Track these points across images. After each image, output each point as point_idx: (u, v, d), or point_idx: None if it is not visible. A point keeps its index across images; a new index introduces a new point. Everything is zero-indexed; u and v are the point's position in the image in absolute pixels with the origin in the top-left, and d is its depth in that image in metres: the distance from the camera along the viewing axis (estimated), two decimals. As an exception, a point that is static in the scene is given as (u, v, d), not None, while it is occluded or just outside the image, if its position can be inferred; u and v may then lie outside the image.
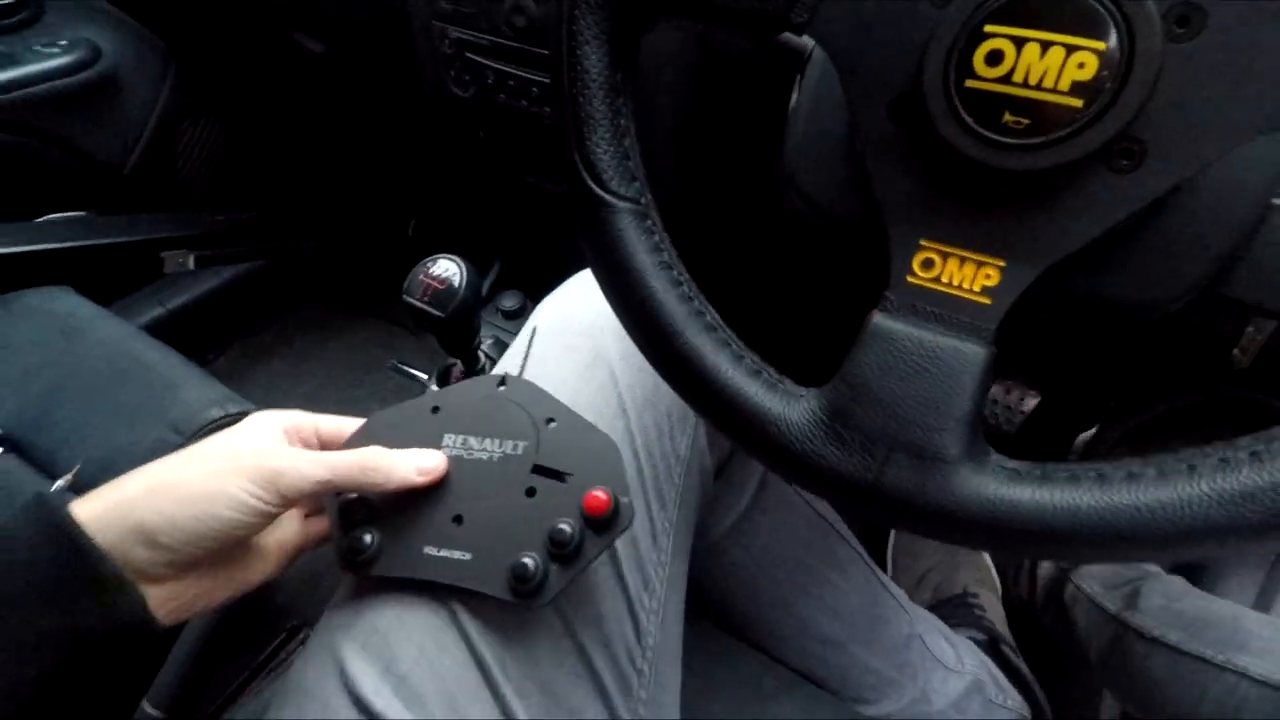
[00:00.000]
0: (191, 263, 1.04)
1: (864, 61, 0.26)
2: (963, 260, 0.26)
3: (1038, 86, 0.23)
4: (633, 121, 0.30)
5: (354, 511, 0.36)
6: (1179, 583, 0.62)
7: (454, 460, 0.36)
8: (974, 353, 0.25)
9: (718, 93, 0.55)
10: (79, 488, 0.50)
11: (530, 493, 0.35)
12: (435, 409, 0.38)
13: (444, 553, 0.34)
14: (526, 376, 0.42)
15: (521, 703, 0.33)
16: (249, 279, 1.13)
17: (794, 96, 0.40)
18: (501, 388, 0.38)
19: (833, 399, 0.26)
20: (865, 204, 0.29)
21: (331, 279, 1.30)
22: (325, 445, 0.39)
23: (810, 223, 0.40)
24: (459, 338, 0.58)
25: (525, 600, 0.33)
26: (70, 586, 0.29)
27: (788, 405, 0.27)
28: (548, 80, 0.64)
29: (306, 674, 0.36)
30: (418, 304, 0.55)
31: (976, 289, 0.26)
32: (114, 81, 0.99)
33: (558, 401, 0.38)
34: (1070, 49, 0.23)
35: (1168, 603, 0.58)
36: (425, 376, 1.05)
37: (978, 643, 0.72)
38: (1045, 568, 0.73)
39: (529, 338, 0.45)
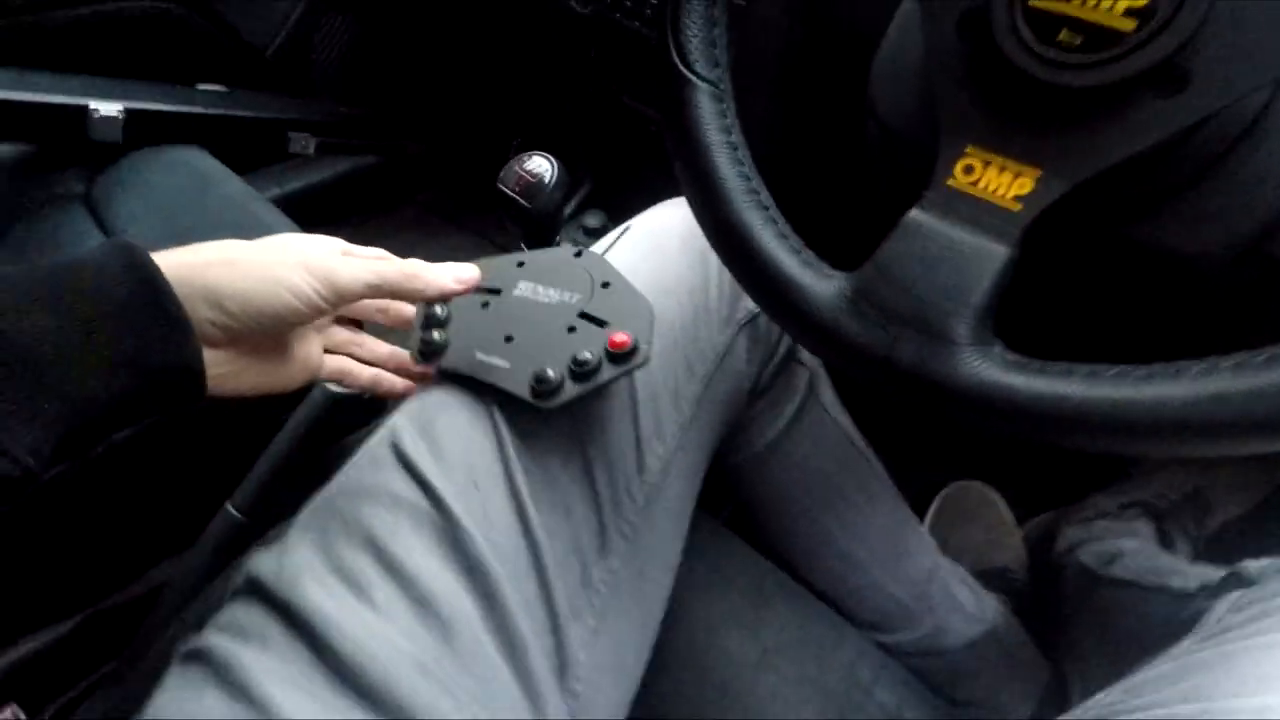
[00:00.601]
0: (313, 147, 1.13)
1: None
2: (1002, 168, 0.28)
3: (1095, 8, 0.25)
4: (725, 15, 0.33)
5: (432, 318, 0.43)
6: (1165, 556, 0.64)
7: (520, 299, 0.42)
8: (997, 251, 0.28)
9: (823, 28, 0.57)
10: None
11: (571, 330, 0.40)
12: (521, 264, 0.44)
13: (490, 359, 0.40)
14: (616, 250, 0.48)
15: (525, 481, 0.39)
16: (360, 174, 1.21)
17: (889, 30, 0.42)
18: (577, 257, 0.44)
19: (860, 279, 0.30)
20: (934, 130, 0.31)
21: (433, 184, 1.38)
22: None
23: (885, 150, 0.43)
24: (541, 231, 0.63)
25: (540, 401, 0.38)
26: (146, 319, 0.32)
27: (819, 281, 0.30)
28: None
29: (368, 439, 0.42)
30: (509, 192, 0.60)
31: (1010, 196, 0.28)
32: (267, -33, 1.08)
33: (619, 274, 0.43)
34: None
35: (1140, 561, 0.61)
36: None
37: (1009, 606, 0.74)
38: (1059, 546, 0.74)
39: (619, 233, 0.50)
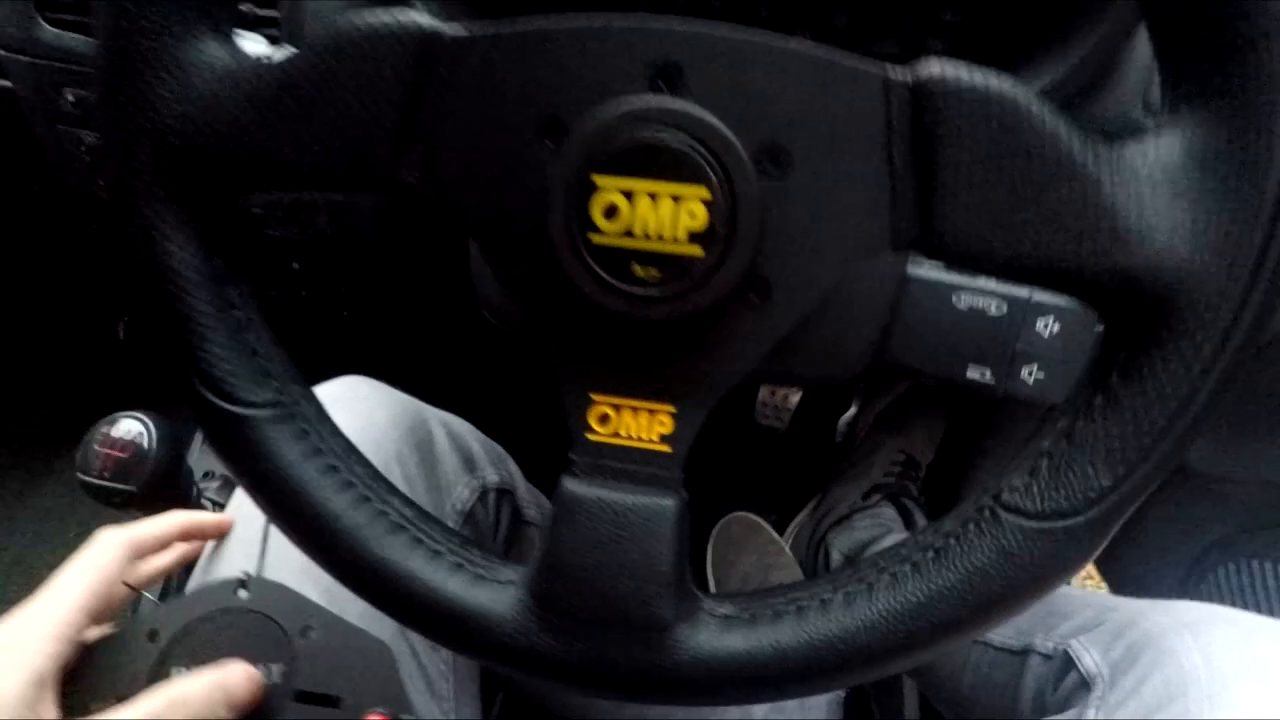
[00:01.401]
0: None
1: (488, 212, 0.24)
2: (635, 410, 0.25)
3: (658, 238, 0.22)
4: (252, 307, 0.26)
5: None
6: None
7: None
8: (665, 507, 0.24)
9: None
10: None
11: None
12: (152, 634, 0.31)
13: None
14: (271, 549, 0.36)
15: None
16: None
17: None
18: (241, 592, 0.32)
19: (538, 583, 0.25)
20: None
21: (14, 420, 1.08)
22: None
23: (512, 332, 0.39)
24: (167, 507, 0.49)
25: None
26: None
27: (495, 597, 0.25)
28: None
29: None
30: (97, 482, 0.46)
31: (654, 437, 0.25)
32: None
33: (312, 603, 0.32)
34: (678, 198, 0.22)
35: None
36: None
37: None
38: (835, 559, 0.79)
39: None
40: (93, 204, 0.62)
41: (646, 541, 0.24)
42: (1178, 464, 0.21)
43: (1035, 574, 0.22)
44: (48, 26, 0.53)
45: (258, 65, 0.23)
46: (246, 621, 0.32)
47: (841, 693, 0.73)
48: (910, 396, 0.84)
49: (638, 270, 0.23)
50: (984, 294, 0.30)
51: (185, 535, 0.37)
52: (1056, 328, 0.29)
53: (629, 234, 0.22)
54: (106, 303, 1.16)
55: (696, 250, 0.22)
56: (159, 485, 0.47)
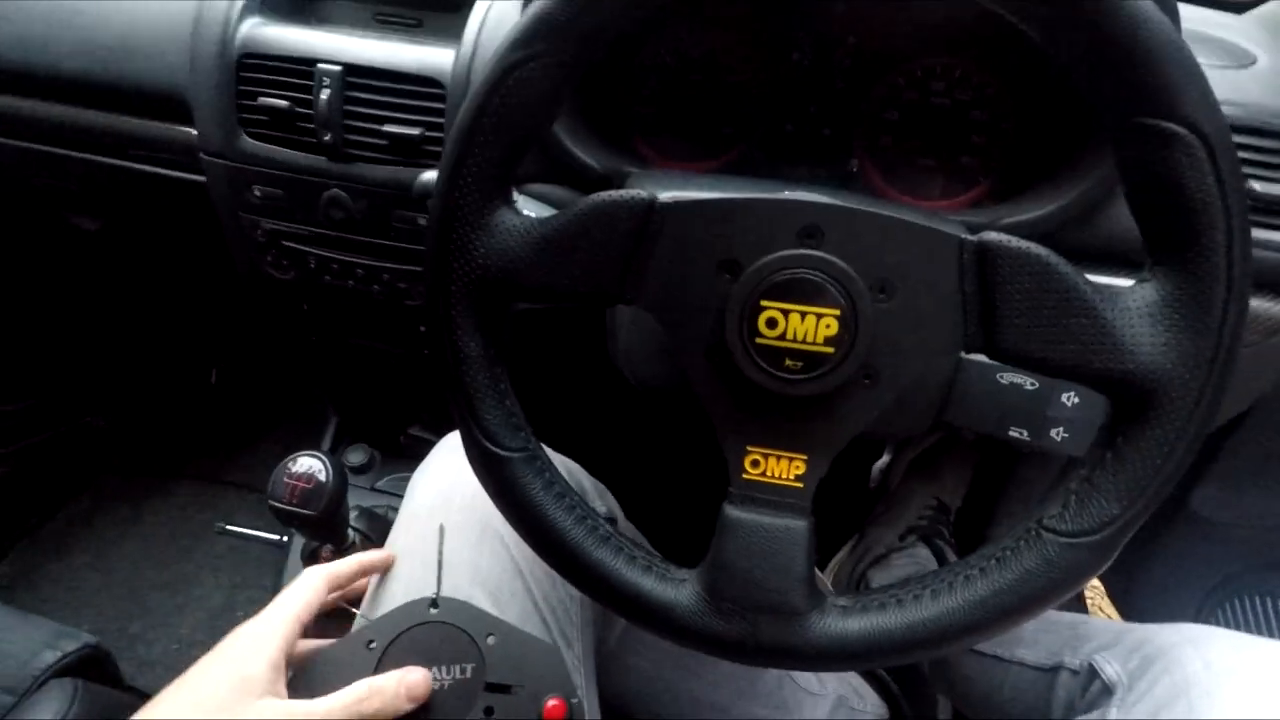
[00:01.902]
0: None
1: (682, 320, 0.35)
2: (779, 457, 0.35)
3: (804, 341, 0.33)
4: (508, 380, 0.36)
5: None
6: None
7: None
8: (800, 527, 0.34)
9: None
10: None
11: (488, 712, 0.39)
12: (370, 643, 0.40)
13: None
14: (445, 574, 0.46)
15: None
16: (22, 468, 1.00)
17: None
18: (434, 610, 0.41)
19: (708, 581, 0.35)
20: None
21: (131, 448, 1.19)
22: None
23: (653, 396, 0.49)
24: (333, 529, 0.60)
25: None
26: None
27: (677, 591, 0.35)
28: (375, 263, 0.67)
29: None
30: (286, 507, 0.56)
31: (791, 477, 0.35)
32: None
33: (491, 616, 0.42)
34: (819, 316, 0.33)
35: None
36: (275, 536, 1.00)
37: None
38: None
39: (439, 537, 0.47)
40: (256, 276, 0.74)
41: (786, 551, 0.34)
42: (1166, 497, 0.31)
43: (1067, 575, 0.32)
44: (248, 139, 0.65)
45: (534, 223, 0.34)
46: (441, 632, 0.40)
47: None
48: (941, 447, 0.94)
49: (788, 362, 0.33)
50: (1021, 373, 0.41)
51: (364, 572, 0.47)
52: (1077, 399, 0.40)
53: (783, 338, 0.33)
54: (202, 354, 1.29)
55: (829, 350, 0.33)
56: (333, 511, 0.57)
